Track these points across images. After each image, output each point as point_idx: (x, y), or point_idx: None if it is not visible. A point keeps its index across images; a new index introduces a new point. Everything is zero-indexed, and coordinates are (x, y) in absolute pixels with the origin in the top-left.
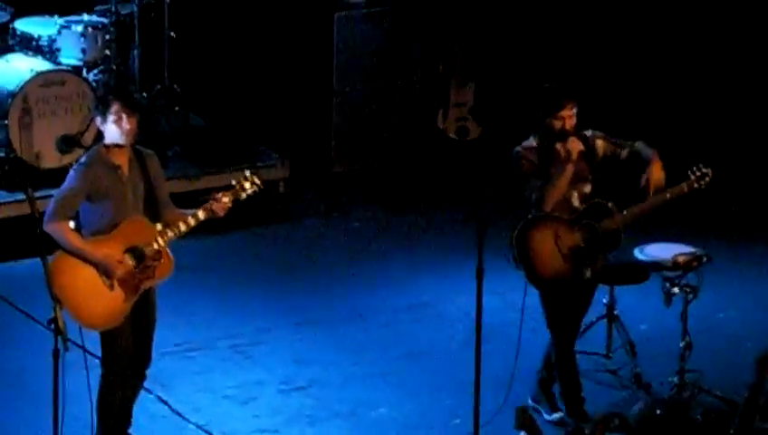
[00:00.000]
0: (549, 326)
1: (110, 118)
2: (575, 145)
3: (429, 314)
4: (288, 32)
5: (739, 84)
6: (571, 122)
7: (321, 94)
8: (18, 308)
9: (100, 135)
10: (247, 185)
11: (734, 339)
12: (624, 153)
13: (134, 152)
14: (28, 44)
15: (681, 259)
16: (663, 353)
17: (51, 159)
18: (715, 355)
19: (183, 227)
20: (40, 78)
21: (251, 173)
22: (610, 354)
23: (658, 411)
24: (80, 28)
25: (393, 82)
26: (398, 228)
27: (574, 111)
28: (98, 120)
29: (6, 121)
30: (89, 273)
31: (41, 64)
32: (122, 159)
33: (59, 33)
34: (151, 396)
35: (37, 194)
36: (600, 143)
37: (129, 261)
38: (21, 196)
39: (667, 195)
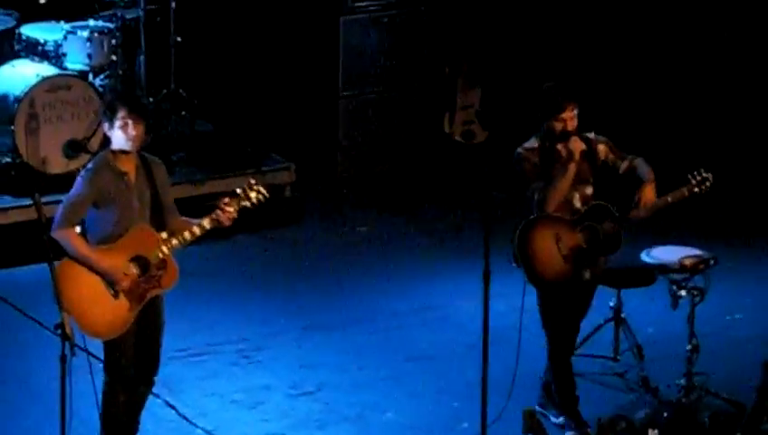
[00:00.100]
0: (544, 326)
1: (117, 124)
2: (577, 145)
3: (436, 317)
4: (294, 36)
5: (747, 85)
6: (572, 123)
7: (326, 99)
8: (25, 313)
9: (106, 140)
10: (253, 194)
11: (741, 342)
12: (623, 166)
13: (141, 159)
14: (34, 50)
15: (688, 262)
16: (670, 356)
17: (57, 165)
18: (723, 358)
19: (188, 236)
20: (46, 83)
21: (256, 182)
22: (618, 357)
23: (665, 414)
24: (86, 33)
25: (399, 86)
26: (404, 232)
27: (575, 111)
28: (105, 125)
29: (13, 127)
30: (94, 281)
31: (47, 69)
32: (129, 166)
33: (65, 38)
34: (158, 401)
35: (44, 199)
36: (602, 148)
37: (134, 270)
38: (28, 201)
39: (669, 199)
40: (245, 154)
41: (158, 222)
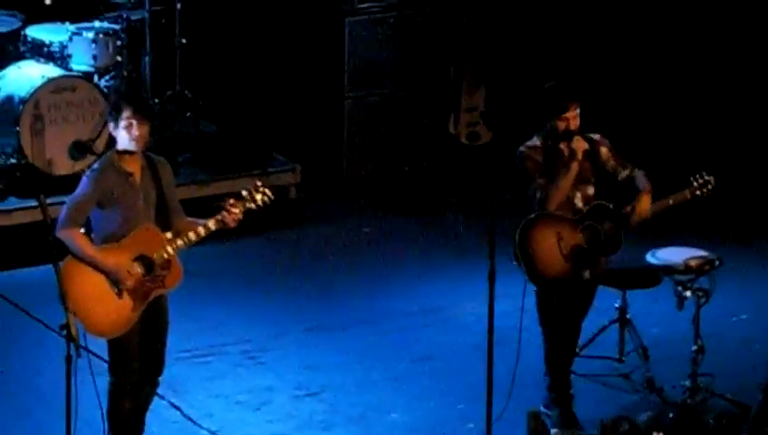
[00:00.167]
0: (541, 324)
1: (122, 124)
2: (580, 144)
3: (441, 318)
4: (299, 37)
5: (753, 84)
6: (575, 123)
7: (332, 100)
8: (30, 314)
9: (112, 141)
10: (258, 196)
11: (746, 343)
12: (623, 174)
13: (146, 160)
14: (39, 51)
15: (693, 263)
16: (675, 357)
17: (63, 166)
18: (728, 359)
19: (193, 237)
20: (51, 84)
21: (262, 184)
22: (623, 358)
23: (671, 415)
24: (91, 34)
25: (404, 87)
26: (409, 233)
27: (578, 111)
28: (110, 125)
29: (18, 128)
30: (98, 280)
31: (52, 71)
32: (134, 167)
33: (70, 39)
34: (163, 402)
35: (49, 201)
36: (604, 151)
37: (139, 269)
38: (33, 202)
39: (670, 201)
40: (250, 155)
41: (164, 222)
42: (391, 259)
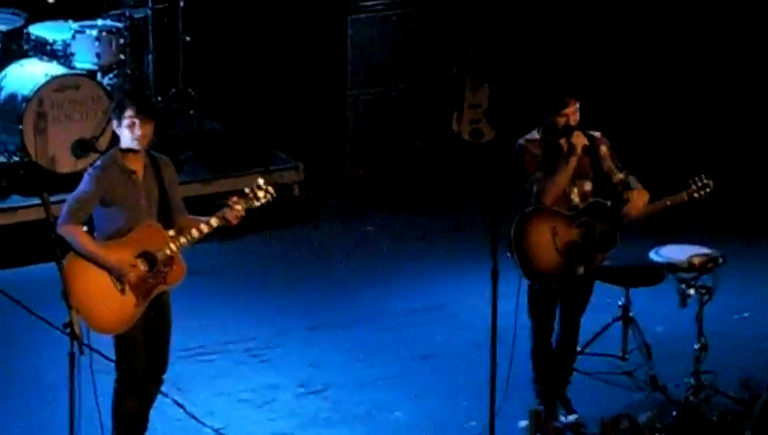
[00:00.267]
0: (529, 315)
1: (125, 123)
2: (580, 139)
3: (444, 316)
4: (301, 35)
5: (757, 81)
6: (574, 118)
7: (334, 97)
8: (34, 312)
9: (115, 139)
10: (261, 194)
11: (749, 340)
12: (618, 176)
13: (149, 158)
14: (43, 49)
15: (696, 261)
16: (678, 355)
17: (66, 164)
18: (731, 357)
19: (196, 234)
20: (54, 82)
21: (264, 182)
22: (626, 356)
23: (674, 413)
24: (94, 32)
25: (407, 85)
26: (412, 231)
27: (577, 106)
28: (114, 123)
29: (21, 126)
30: (100, 277)
31: (55, 69)
32: (137, 165)
33: (73, 37)
34: (167, 400)
35: (52, 199)
36: (603, 149)
37: (142, 266)
38: (36, 200)
39: (668, 202)
40: (253, 153)
41: (166, 220)
42: (395, 257)
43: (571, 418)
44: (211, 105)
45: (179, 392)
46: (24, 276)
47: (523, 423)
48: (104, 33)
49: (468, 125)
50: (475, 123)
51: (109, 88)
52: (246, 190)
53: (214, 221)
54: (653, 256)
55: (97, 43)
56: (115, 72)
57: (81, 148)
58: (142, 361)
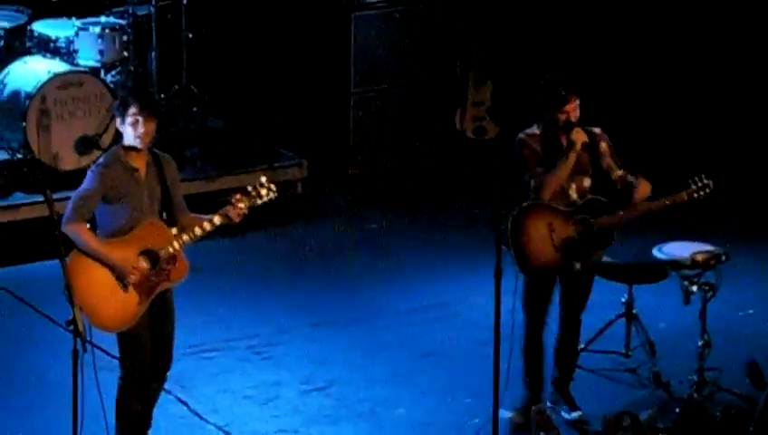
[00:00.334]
0: (523, 308)
1: (128, 120)
2: (579, 136)
3: (447, 313)
4: (305, 32)
5: (760, 77)
6: (575, 114)
7: (338, 95)
8: (37, 310)
9: (118, 136)
10: (263, 191)
11: (753, 337)
12: (617, 174)
13: (152, 156)
14: (46, 46)
15: (700, 257)
16: (682, 352)
17: (69, 161)
18: (734, 354)
19: (198, 232)
20: (58, 79)
21: (267, 180)
22: (629, 353)
23: (677, 410)
24: (97, 30)
25: (410, 83)
26: (415, 229)
27: (577, 102)
28: (117, 120)
29: (24, 123)
30: (103, 274)
31: (58, 66)
32: (140, 162)
33: (76, 34)
34: (170, 397)
35: (55, 196)
36: (603, 146)
37: (144, 264)
38: (39, 198)
39: (666, 202)
40: (257, 150)
41: (169, 218)
42: (398, 254)
43: (575, 415)
44: (214, 102)
45: (183, 390)
46: (27, 274)
47: (507, 414)
48: (107, 31)
49: (471, 122)
50: (478, 121)
51: (112, 85)
52: (249, 188)
53: (216, 219)
54: (656, 253)
55: (100, 41)
56: (118, 69)
57: (85, 145)
58: (146, 358)
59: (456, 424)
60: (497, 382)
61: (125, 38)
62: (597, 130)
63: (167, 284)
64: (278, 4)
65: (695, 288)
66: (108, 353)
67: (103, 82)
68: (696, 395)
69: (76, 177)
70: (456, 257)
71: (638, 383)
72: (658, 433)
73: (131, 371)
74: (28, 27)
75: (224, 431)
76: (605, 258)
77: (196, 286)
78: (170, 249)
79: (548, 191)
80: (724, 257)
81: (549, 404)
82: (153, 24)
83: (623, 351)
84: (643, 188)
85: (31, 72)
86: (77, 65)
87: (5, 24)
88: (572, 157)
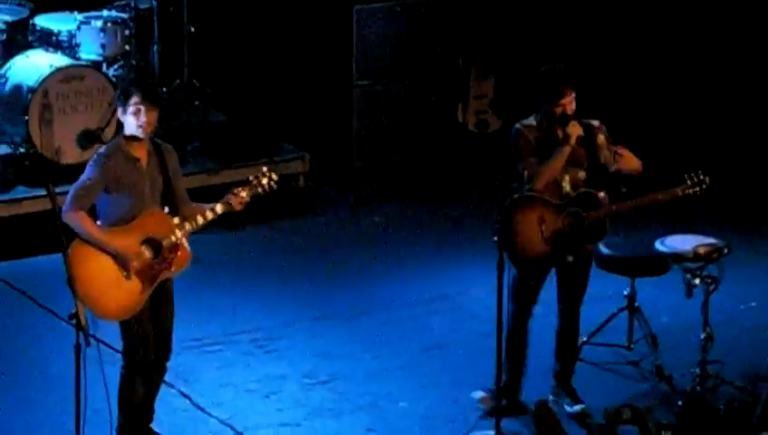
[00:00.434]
0: (510, 299)
1: (130, 109)
2: (575, 129)
3: (450, 307)
4: (307, 26)
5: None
6: (571, 107)
7: (340, 89)
8: (39, 303)
9: (120, 130)
10: (264, 181)
11: (755, 330)
12: (615, 167)
13: (153, 146)
14: (48, 40)
15: (702, 250)
16: (684, 345)
17: (71, 155)
18: (737, 346)
19: (200, 221)
20: (60, 73)
21: (268, 169)
22: (632, 346)
23: (679, 403)
24: (99, 23)
25: (413, 76)
26: (417, 222)
27: (573, 95)
28: (119, 110)
29: (27, 117)
30: (106, 263)
31: (60, 60)
32: (141, 152)
33: (78, 28)
34: (173, 391)
35: (58, 190)
36: (601, 138)
37: (147, 252)
38: (41, 192)
39: (660, 196)
40: (259, 144)
41: (170, 208)
42: (400, 248)
43: (577, 408)
44: (216, 96)
45: (185, 383)
46: (29, 268)
47: (479, 394)
48: (109, 24)
49: (474, 116)
50: (480, 114)
51: (114, 79)
52: (250, 177)
53: (219, 207)
54: (659, 246)
55: (102, 34)
56: (120, 62)
57: (87, 139)
58: (150, 347)
59: (459, 417)
60: (500, 375)
61: (127, 32)
62: (595, 123)
63: (169, 273)
64: None
65: (697, 281)
66: (110, 347)
67: (105, 75)
68: (698, 388)
69: (78, 171)
70: (458, 250)
71: (640, 376)
72: (661, 429)
73: (134, 360)
74: (30, 21)
75: (226, 425)
76: (608, 251)
77: (198, 280)
78: (173, 238)
79: (541, 182)
80: (726, 250)
81: (551, 397)
82: (155, 18)
83: (626, 344)
84: (627, 160)
85: (33, 65)
86: (79, 59)
87: (8, 18)
88: (566, 151)
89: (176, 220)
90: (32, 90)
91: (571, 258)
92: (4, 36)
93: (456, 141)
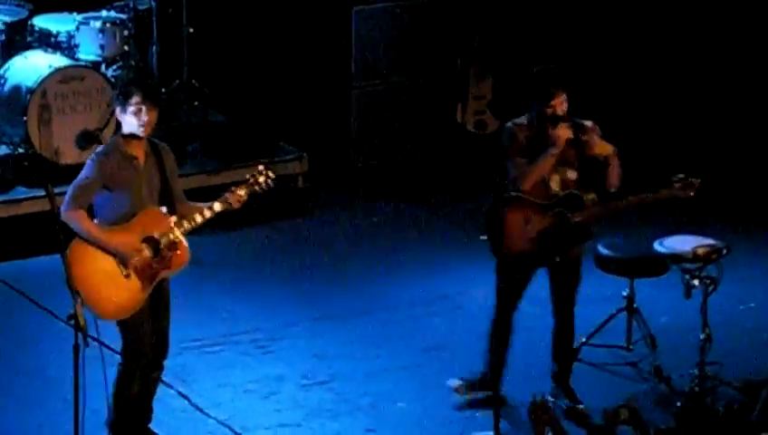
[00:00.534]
0: (496, 294)
1: (130, 109)
2: (564, 132)
3: (449, 307)
4: (306, 26)
5: (761, 72)
6: (561, 108)
7: (339, 89)
8: (38, 304)
9: (118, 127)
10: (261, 179)
11: (754, 331)
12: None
13: (150, 145)
14: (47, 41)
15: (701, 251)
16: (683, 346)
17: (70, 156)
18: (736, 347)
19: (199, 219)
20: (59, 74)
21: (265, 167)
22: (630, 347)
23: (678, 404)
24: (98, 24)
25: (412, 77)
26: (416, 222)
27: (564, 97)
28: (117, 109)
29: (25, 118)
30: (105, 261)
31: (59, 60)
32: (139, 151)
33: (77, 29)
34: (172, 391)
35: (56, 190)
36: (595, 138)
37: (146, 251)
38: (40, 192)
39: (646, 198)
40: (258, 144)
41: (168, 207)
42: (399, 248)
43: (578, 408)
44: (215, 97)
45: (184, 384)
46: (28, 268)
47: (454, 382)
48: (108, 25)
49: (472, 116)
50: (479, 114)
51: (113, 79)
52: (247, 176)
53: (217, 206)
54: (657, 246)
55: (101, 35)
56: (119, 63)
57: (86, 139)
58: (148, 345)
59: (457, 418)
60: (499, 376)
61: (126, 32)
62: (588, 123)
63: (167, 271)
64: None
65: (696, 282)
66: (108, 347)
67: (104, 76)
68: (697, 389)
69: (77, 171)
70: (457, 250)
71: (639, 377)
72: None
73: (134, 358)
74: (29, 22)
75: (225, 426)
76: (607, 252)
77: (197, 281)
78: (171, 236)
79: (528, 182)
80: (725, 251)
81: (550, 398)
82: (154, 19)
83: (624, 344)
84: (600, 146)
85: (32, 66)
86: (78, 60)
87: (6, 19)
88: (555, 153)
89: (174, 219)
90: (30, 90)
91: (558, 259)
92: (3, 37)
93: (455, 142)
